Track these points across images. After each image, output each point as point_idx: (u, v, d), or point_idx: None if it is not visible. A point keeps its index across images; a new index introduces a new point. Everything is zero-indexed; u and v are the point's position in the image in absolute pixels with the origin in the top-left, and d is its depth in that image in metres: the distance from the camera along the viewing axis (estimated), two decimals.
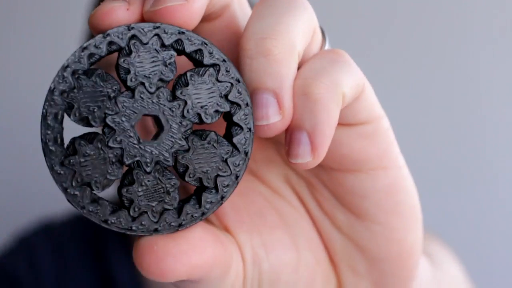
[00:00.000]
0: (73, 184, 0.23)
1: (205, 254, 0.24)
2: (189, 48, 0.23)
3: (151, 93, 0.23)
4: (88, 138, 0.23)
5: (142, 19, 0.23)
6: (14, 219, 0.92)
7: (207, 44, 0.24)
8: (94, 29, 0.23)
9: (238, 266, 0.26)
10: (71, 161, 0.23)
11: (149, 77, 0.23)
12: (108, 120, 0.23)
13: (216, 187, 0.24)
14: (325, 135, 0.23)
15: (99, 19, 0.23)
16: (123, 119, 0.23)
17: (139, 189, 0.23)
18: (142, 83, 0.23)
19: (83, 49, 0.23)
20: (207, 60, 0.23)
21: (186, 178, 0.23)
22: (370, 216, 0.27)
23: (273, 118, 0.23)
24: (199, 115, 0.23)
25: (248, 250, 0.27)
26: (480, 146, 1.05)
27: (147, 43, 0.23)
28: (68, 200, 0.23)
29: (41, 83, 1.10)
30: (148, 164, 0.23)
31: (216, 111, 0.23)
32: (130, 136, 0.23)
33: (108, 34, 0.23)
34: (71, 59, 0.23)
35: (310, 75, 0.24)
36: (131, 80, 0.23)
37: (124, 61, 0.23)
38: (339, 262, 0.28)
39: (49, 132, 0.23)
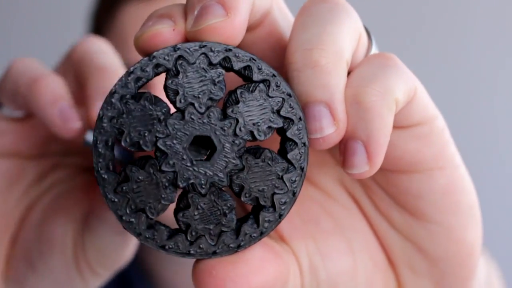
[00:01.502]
0: (128, 211, 0.23)
1: (265, 275, 0.24)
2: (237, 65, 0.23)
3: (201, 113, 0.22)
4: (140, 163, 0.23)
5: (187, 38, 0.23)
6: None
7: (255, 60, 0.23)
8: (140, 52, 0.23)
9: (296, 277, 0.26)
10: (124, 188, 0.22)
11: (198, 97, 0.22)
12: (160, 144, 0.22)
13: (273, 205, 0.23)
14: (381, 143, 0.23)
15: (145, 42, 0.23)
16: (175, 141, 0.22)
17: (195, 213, 0.23)
18: (192, 104, 0.22)
19: (130, 73, 0.23)
20: (256, 76, 0.23)
21: (242, 198, 0.23)
22: (427, 216, 0.26)
23: (328, 130, 0.23)
24: (251, 132, 0.23)
25: (305, 259, 0.27)
26: (480, 146, 1.05)
27: (194, 63, 0.23)
28: (124, 227, 0.23)
29: None
30: (203, 186, 0.23)
31: (269, 127, 0.23)
32: (183, 159, 0.22)
33: (154, 57, 0.23)
34: (118, 84, 0.23)
35: (361, 82, 0.23)
36: (180, 101, 0.22)
37: (172, 82, 0.22)
38: (398, 263, 0.28)
39: (100, 160, 0.23)
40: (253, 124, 0.23)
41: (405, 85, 0.24)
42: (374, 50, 0.26)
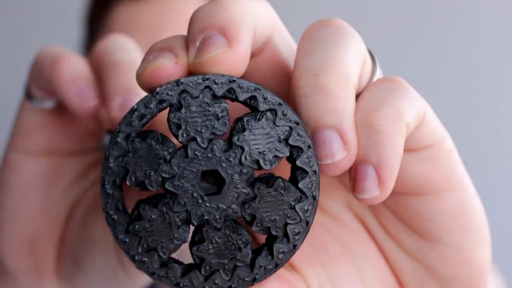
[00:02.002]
0: (140, 250, 0.22)
1: None
2: (242, 96, 0.23)
3: (204, 148, 0.22)
4: (153, 202, 0.22)
5: (190, 71, 0.23)
6: None
7: (260, 90, 0.23)
8: (143, 87, 0.23)
9: None
10: (136, 227, 0.22)
11: (201, 132, 0.22)
12: (168, 185, 0.22)
13: (287, 236, 0.23)
14: (392, 167, 0.22)
15: (147, 77, 0.22)
16: (182, 180, 0.22)
17: (210, 247, 0.23)
18: (194, 138, 0.22)
19: (133, 111, 0.22)
20: (262, 106, 0.23)
21: (254, 227, 0.23)
22: (437, 238, 0.26)
23: (339, 155, 0.22)
24: (257, 161, 0.22)
25: (315, 287, 0.26)
26: (480, 146, 1.04)
27: (197, 97, 0.22)
28: (137, 267, 0.23)
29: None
30: (218, 221, 0.22)
31: (275, 156, 0.23)
32: (193, 196, 0.22)
33: (157, 93, 0.22)
34: (123, 123, 0.22)
35: (371, 106, 0.23)
36: (182, 136, 0.22)
37: (174, 116, 0.22)
38: (409, 285, 0.27)
39: (109, 201, 0.22)
40: (259, 152, 0.22)
41: (415, 109, 0.23)
42: (378, 72, 0.26)
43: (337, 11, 1.01)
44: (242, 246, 0.23)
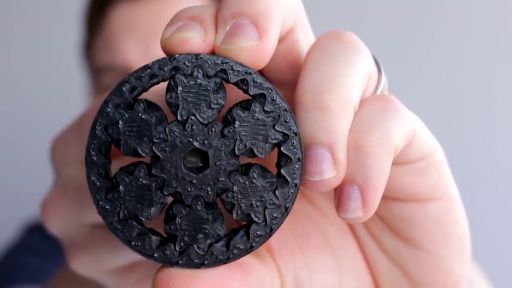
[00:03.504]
0: (117, 218, 0.23)
1: None
2: (252, 91, 0.22)
3: (204, 125, 0.22)
4: (129, 168, 0.23)
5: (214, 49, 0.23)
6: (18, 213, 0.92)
7: (271, 90, 0.23)
8: (164, 51, 0.23)
9: None
10: (115, 195, 0.22)
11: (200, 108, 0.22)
12: (155, 149, 0.22)
13: (247, 233, 0.23)
14: (377, 189, 0.23)
15: (172, 46, 0.22)
16: (171, 149, 0.22)
17: (182, 222, 0.23)
18: (194, 114, 0.22)
19: (147, 68, 0.22)
20: (268, 107, 0.23)
21: (234, 215, 0.23)
22: (417, 244, 0.26)
23: (327, 174, 0.22)
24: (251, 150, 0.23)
25: (290, 273, 0.27)
26: (480, 148, 1.05)
27: (210, 76, 0.22)
28: (99, 213, 0.23)
29: (41, 83, 1.09)
30: (189, 195, 0.22)
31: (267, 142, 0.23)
32: (177, 169, 0.22)
33: (175, 59, 0.22)
34: (133, 75, 0.22)
35: (361, 128, 0.23)
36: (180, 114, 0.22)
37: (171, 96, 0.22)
38: (384, 287, 0.28)
39: (93, 167, 0.22)
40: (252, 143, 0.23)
41: (405, 130, 0.24)
42: (383, 84, 0.26)
43: (336, 11, 1.02)
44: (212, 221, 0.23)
